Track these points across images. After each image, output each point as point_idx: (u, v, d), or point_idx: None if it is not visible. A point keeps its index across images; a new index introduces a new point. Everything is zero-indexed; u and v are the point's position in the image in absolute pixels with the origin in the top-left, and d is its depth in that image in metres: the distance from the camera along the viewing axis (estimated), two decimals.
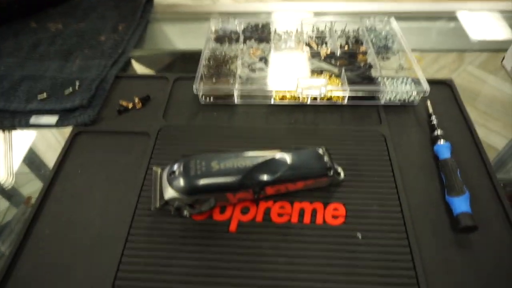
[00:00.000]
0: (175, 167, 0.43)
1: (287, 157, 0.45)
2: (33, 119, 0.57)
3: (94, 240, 0.44)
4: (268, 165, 0.43)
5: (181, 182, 0.41)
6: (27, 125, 0.57)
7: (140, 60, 0.72)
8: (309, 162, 0.45)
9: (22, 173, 0.54)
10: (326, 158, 0.46)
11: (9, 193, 0.52)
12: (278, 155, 0.44)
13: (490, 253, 0.42)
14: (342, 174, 0.48)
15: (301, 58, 0.64)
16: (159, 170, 0.46)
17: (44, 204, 0.48)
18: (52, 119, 0.57)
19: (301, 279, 0.40)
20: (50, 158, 0.53)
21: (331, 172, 0.45)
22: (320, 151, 0.46)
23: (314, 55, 0.65)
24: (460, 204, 0.44)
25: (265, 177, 0.43)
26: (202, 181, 0.41)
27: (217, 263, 0.42)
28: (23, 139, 0.58)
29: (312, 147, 0.47)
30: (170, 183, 0.42)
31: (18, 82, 0.62)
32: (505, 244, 0.43)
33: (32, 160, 0.56)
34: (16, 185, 0.53)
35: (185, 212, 0.44)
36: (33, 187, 0.51)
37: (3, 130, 0.58)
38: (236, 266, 0.41)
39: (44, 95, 0.60)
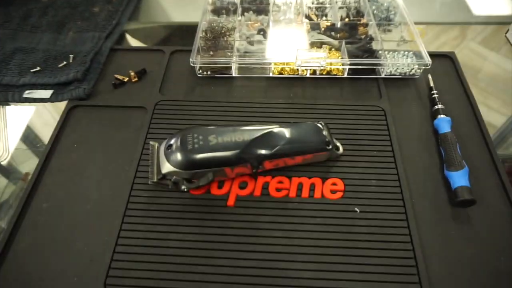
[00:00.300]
0: (172, 141, 0.42)
1: (286, 131, 0.44)
2: (27, 93, 0.56)
3: (92, 214, 0.44)
4: (266, 139, 0.43)
5: (178, 156, 0.41)
6: (20, 100, 0.56)
7: (135, 33, 0.70)
8: (307, 136, 0.45)
9: (19, 149, 0.53)
10: (325, 132, 0.45)
11: (7, 170, 0.52)
12: (277, 129, 0.44)
13: (488, 227, 0.42)
14: (341, 149, 0.48)
15: (301, 31, 0.62)
16: (156, 144, 0.46)
17: (40, 179, 0.48)
18: (46, 93, 0.56)
19: (299, 252, 0.41)
20: (47, 133, 0.52)
21: (330, 146, 0.45)
22: (319, 125, 0.46)
23: (314, 27, 0.63)
24: (459, 178, 0.44)
25: (263, 151, 0.43)
26: (200, 156, 0.41)
27: (215, 237, 0.42)
28: (18, 115, 0.57)
29: (311, 121, 0.46)
30: (167, 157, 0.42)
31: (10, 54, 0.61)
32: (503, 218, 0.43)
33: (28, 136, 0.55)
34: (14, 162, 0.52)
35: (183, 187, 0.43)
36: (32, 164, 0.50)
37: None
38: (234, 240, 0.42)
39: (37, 68, 0.58)
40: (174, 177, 0.42)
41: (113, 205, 0.45)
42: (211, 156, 0.41)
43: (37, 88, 0.57)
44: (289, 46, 0.58)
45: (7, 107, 0.57)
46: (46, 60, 0.60)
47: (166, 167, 0.42)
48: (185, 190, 0.44)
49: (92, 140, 0.51)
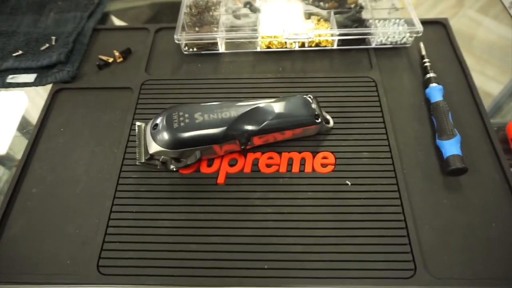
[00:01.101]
0: (158, 120, 0.42)
1: (274, 106, 0.43)
2: (10, 78, 0.55)
3: (82, 197, 0.44)
4: (253, 115, 0.42)
5: (165, 135, 0.40)
6: (4, 85, 0.55)
7: (118, 12, 0.68)
8: (296, 110, 0.44)
9: (14, 136, 0.52)
10: (314, 105, 0.45)
11: (3, 157, 0.51)
12: (264, 103, 0.43)
13: (480, 195, 0.42)
14: (331, 122, 0.47)
15: (288, 2, 0.60)
16: (142, 125, 0.45)
17: (29, 164, 0.47)
18: (30, 77, 0.55)
19: (291, 227, 0.40)
20: (35, 116, 0.51)
21: (319, 120, 0.44)
22: (308, 98, 0.45)
23: None
24: (450, 147, 0.43)
25: (251, 127, 0.42)
26: (186, 134, 0.40)
27: (206, 216, 0.42)
28: (10, 100, 0.56)
29: (300, 95, 0.45)
30: (154, 137, 0.41)
31: None
32: (495, 186, 0.43)
33: (21, 121, 0.54)
34: (9, 149, 0.51)
35: (171, 166, 0.43)
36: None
37: None
38: (225, 217, 0.41)
39: (20, 52, 0.57)
40: (162, 156, 0.42)
41: (102, 187, 0.44)
42: (198, 134, 0.41)
43: (20, 73, 0.55)
44: (276, 19, 0.57)
45: None
46: (28, 43, 0.58)
47: (153, 147, 0.41)
48: (174, 169, 0.43)
49: (79, 123, 0.50)
